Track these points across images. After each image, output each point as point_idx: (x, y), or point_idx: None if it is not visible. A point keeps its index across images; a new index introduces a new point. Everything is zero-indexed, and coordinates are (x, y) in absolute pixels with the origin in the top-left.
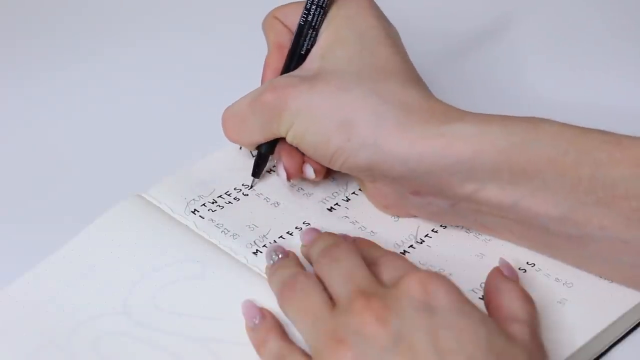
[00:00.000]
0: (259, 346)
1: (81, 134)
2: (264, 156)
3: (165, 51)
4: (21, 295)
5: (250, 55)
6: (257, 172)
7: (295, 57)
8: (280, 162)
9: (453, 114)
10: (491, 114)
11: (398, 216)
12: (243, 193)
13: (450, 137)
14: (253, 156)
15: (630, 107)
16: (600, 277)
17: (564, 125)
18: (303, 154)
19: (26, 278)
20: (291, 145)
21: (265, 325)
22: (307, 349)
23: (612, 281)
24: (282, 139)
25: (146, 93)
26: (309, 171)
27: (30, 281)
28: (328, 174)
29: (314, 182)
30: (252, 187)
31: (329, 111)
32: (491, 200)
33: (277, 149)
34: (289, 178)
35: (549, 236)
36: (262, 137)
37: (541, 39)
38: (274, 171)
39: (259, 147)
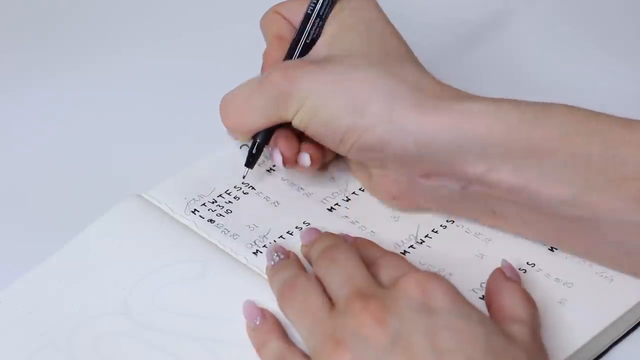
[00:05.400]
0: (259, 347)
1: (82, 134)
2: (259, 146)
3: (166, 52)
4: (21, 295)
5: (251, 56)
6: (251, 162)
7: (300, 45)
8: (276, 148)
9: (465, 95)
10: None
11: (406, 208)
12: (243, 192)
13: (463, 113)
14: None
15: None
16: (610, 265)
17: (574, 107)
18: (300, 142)
19: (26, 278)
20: (289, 133)
21: (266, 326)
22: (307, 350)
23: (621, 270)
24: (279, 128)
25: (146, 93)
26: (305, 158)
27: (30, 281)
28: (323, 167)
29: (312, 179)
30: (244, 177)
31: (341, 90)
32: (502, 182)
33: (273, 137)
34: (285, 163)
35: (559, 221)
36: (264, 122)
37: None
38: (273, 170)
39: (254, 137)
